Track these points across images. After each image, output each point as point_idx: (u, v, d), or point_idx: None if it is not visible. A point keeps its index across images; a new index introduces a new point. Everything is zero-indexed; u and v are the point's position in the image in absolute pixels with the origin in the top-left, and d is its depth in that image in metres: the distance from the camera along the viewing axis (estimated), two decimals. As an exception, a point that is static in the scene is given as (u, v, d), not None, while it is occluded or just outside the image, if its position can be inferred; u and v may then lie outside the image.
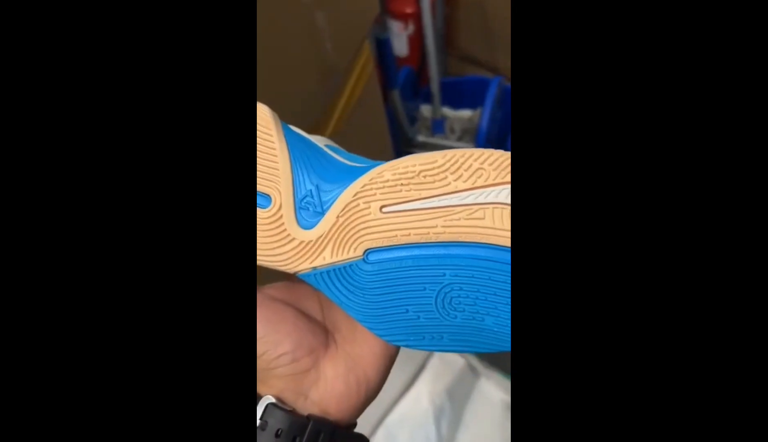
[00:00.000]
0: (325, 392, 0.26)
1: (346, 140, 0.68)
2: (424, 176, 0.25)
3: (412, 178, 0.25)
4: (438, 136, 1.09)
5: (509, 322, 0.25)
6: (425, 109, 1.12)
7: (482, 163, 0.24)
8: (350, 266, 0.26)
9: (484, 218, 0.24)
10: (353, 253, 0.26)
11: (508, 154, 0.24)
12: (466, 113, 1.10)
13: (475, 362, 0.90)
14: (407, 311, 0.26)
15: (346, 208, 0.26)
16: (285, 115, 0.43)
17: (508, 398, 0.88)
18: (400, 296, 0.26)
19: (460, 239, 0.25)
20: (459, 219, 0.25)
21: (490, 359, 0.90)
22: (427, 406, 0.86)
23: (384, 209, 0.25)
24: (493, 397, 0.88)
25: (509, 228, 0.24)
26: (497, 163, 0.24)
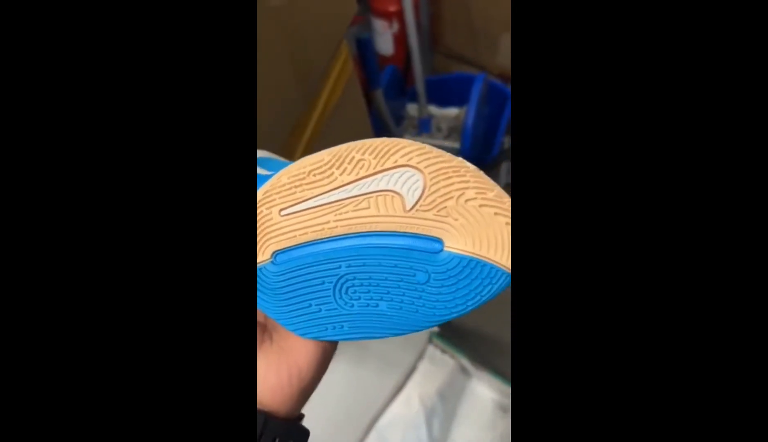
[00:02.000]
0: (258, 384, 0.28)
1: (326, 143, 0.68)
2: (314, 175, 0.26)
3: (304, 178, 0.26)
4: (425, 135, 1.09)
5: (401, 304, 0.27)
6: (412, 108, 1.12)
7: (363, 154, 0.26)
8: (260, 269, 0.27)
9: (369, 208, 0.26)
10: (262, 257, 0.27)
11: (388, 140, 0.26)
12: (452, 111, 1.10)
13: (465, 362, 0.89)
14: (310, 305, 0.27)
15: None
16: (262, 119, 0.42)
17: (499, 397, 0.87)
18: (303, 292, 0.27)
19: (352, 231, 0.26)
20: (347, 212, 0.26)
21: (481, 360, 0.90)
22: (419, 408, 0.85)
23: (282, 212, 0.27)
24: (484, 397, 0.88)
25: (392, 213, 0.26)
26: (377, 151, 0.26)
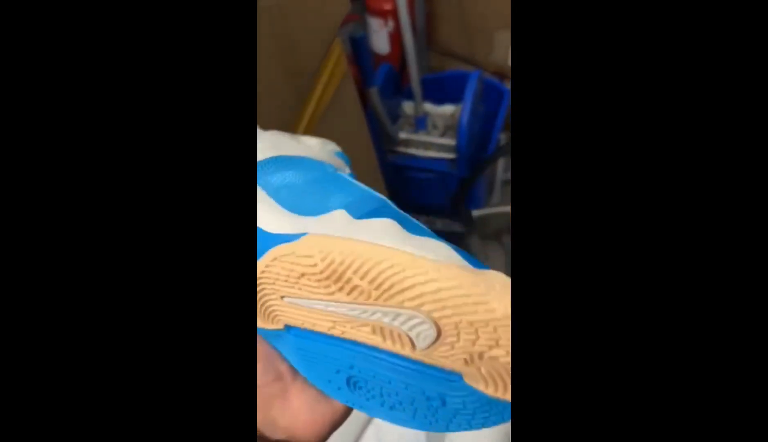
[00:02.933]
0: (291, 419, 0.28)
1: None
2: (308, 279, 0.23)
3: (299, 279, 0.23)
4: (421, 133, 1.08)
5: (414, 415, 0.24)
6: (407, 106, 1.11)
7: (361, 279, 0.22)
8: (279, 334, 0.26)
9: (374, 334, 0.23)
10: (274, 324, 0.26)
11: (393, 261, 0.21)
12: (448, 109, 1.10)
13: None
14: (330, 381, 0.26)
15: (260, 277, 0.25)
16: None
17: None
18: (321, 370, 0.26)
19: (359, 340, 0.24)
20: (352, 327, 0.23)
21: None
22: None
23: (285, 299, 0.25)
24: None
25: (399, 350, 0.23)
26: (378, 281, 0.21)
